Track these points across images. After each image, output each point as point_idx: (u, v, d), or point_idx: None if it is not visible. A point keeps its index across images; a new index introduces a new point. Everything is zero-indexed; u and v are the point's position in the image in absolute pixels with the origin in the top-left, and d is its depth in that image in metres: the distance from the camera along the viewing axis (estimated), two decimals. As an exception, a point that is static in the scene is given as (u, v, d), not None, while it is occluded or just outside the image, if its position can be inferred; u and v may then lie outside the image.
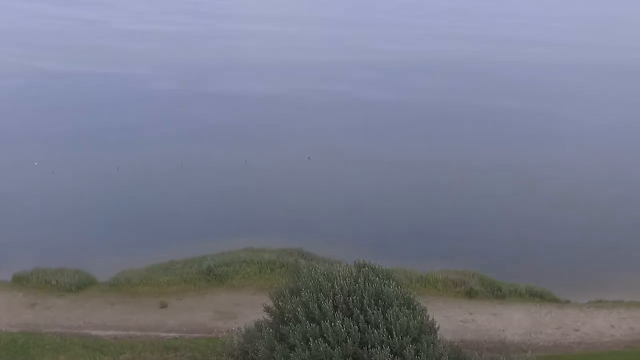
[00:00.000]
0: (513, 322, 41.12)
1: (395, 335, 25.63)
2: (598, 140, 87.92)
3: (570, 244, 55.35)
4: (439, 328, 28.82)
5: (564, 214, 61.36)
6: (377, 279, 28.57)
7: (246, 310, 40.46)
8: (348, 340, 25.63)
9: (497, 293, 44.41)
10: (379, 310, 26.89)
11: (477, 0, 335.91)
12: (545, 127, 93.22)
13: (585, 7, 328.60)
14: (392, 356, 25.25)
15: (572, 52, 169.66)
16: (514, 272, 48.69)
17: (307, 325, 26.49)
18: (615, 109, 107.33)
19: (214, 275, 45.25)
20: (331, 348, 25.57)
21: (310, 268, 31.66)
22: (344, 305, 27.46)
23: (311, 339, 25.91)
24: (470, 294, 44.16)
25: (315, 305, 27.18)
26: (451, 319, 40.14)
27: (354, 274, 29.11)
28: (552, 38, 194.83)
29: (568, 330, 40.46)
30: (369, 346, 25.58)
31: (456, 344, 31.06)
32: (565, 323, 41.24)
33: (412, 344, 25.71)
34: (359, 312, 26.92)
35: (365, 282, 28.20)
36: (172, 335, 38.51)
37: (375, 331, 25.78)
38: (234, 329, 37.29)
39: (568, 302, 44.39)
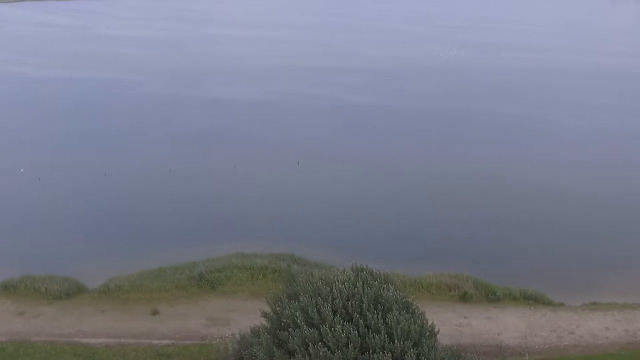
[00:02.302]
0: (508, 325, 41.03)
1: (396, 340, 25.31)
2: (590, 144, 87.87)
3: (563, 246, 55.38)
4: (438, 332, 28.57)
5: (556, 217, 61.37)
6: (376, 283, 28.26)
7: (239, 317, 40.15)
8: (349, 346, 25.26)
9: (491, 297, 44.32)
10: (378, 314, 26.58)
11: (460, 6, 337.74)
12: (537, 131, 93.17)
13: (565, 14, 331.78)
14: (393, 361, 24.96)
15: (554, 56, 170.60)
16: (508, 275, 48.56)
17: (306, 330, 26.11)
18: (605, 112, 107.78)
19: (205, 281, 44.75)
20: (331, 353, 25.21)
21: (307, 273, 31.34)
22: (343, 310, 27.11)
23: (311, 344, 25.54)
24: (465, 298, 44.05)
25: (314, 310, 26.82)
26: (446, 323, 39.86)
27: (352, 278, 28.79)
28: (534, 43, 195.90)
29: (563, 333, 40.44)
30: (370, 351, 25.23)
31: (456, 347, 30.79)
32: (560, 326, 41.22)
33: (413, 349, 25.43)
34: (358, 316, 26.59)
35: (364, 286, 27.89)
36: (164, 342, 37.96)
37: (376, 336, 25.44)
38: (227, 335, 36.85)
39: (562, 304, 44.36)
